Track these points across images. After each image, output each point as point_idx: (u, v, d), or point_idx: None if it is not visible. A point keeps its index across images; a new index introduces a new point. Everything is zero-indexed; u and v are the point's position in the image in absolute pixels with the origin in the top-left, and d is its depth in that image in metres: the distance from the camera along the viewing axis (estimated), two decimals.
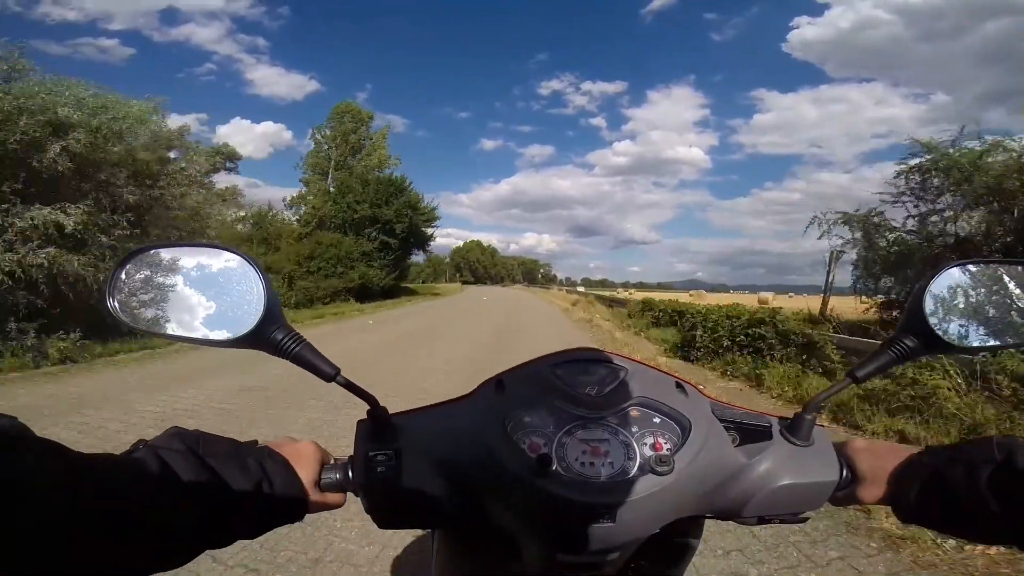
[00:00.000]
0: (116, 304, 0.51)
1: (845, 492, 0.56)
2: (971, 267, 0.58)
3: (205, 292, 0.52)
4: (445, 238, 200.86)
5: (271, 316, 0.50)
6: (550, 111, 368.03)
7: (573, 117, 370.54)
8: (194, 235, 9.98)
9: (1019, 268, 0.58)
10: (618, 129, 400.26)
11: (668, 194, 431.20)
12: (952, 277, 0.57)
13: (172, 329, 0.51)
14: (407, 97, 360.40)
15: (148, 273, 0.52)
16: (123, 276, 0.52)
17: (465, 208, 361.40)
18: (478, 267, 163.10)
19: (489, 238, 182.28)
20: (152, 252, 0.53)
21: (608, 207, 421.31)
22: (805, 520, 0.57)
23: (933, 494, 0.49)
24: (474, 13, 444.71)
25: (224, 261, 0.52)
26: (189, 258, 0.53)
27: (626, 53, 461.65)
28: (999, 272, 0.58)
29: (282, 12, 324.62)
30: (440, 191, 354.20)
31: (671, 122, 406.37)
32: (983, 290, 0.58)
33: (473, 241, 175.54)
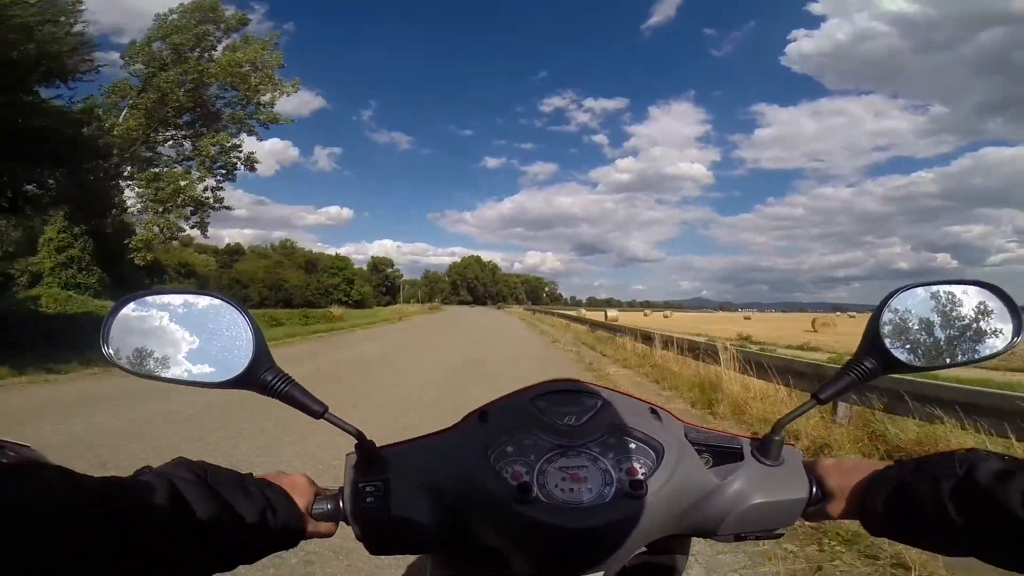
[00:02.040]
0: (111, 351, 0.53)
1: (816, 508, 0.58)
2: (923, 289, 0.61)
3: (196, 336, 0.55)
4: (449, 256, 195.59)
5: (260, 358, 0.53)
6: (552, 128, 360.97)
7: (575, 134, 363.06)
8: None
9: (966, 287, 0.61)
10: (620, 146, 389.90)
11: (671, 211, 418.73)
12: (905, 300, 0.60)
13: (166, 373, 0.54)
14: (412, 114, 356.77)
15: (141, 320, 0.55)
16: (116, 323, 0.54)
17: (469, 226, 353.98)
18: (477, 285, 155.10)
19: (493, 256, 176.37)
20: (145, 299, 0.56)
21: (611, 225, 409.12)
22: (780, 536, 0.60)
23: (899, 508, 0.51)
24: (475, 31, 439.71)
25: (213, 306, 0.56)
26: (180, 304, 0.56)
27: (626, 69, 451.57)
28: (948, 292, 0.61)
29: (288, 28, 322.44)
30: (445, 209, 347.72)
31: (672, 138, 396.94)
32: (935, 311, 0.60)
33: (472, 257, 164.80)
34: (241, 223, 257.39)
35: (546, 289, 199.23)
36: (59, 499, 0.35)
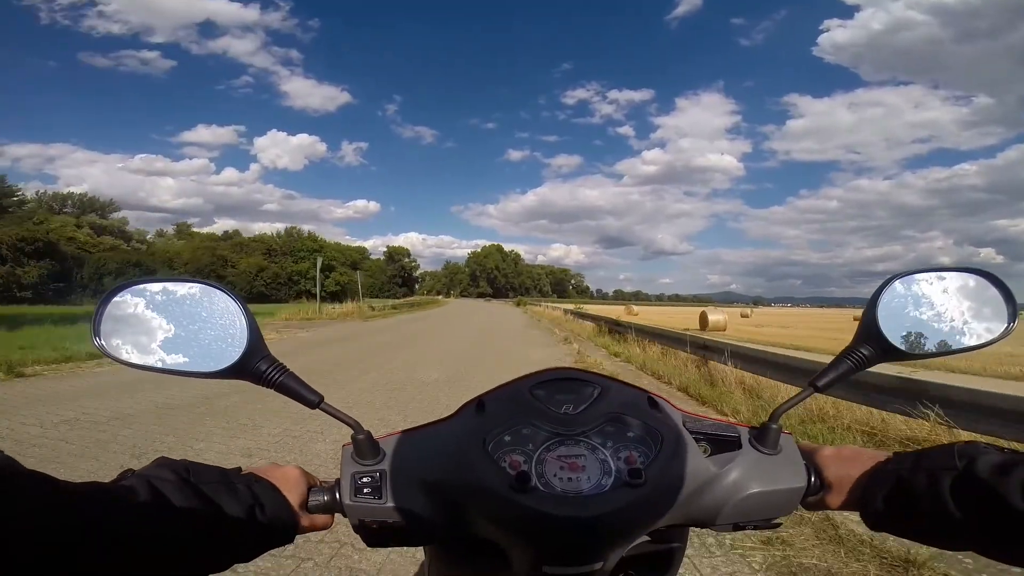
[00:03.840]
0: (103, 342, 0.52)
1: (815, 498, 0.58)
2: (919, 277, 0.60)
3: (189, 326, 0.53)
4: (473, 249, 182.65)
5: (254, 348, 0.53)
6: (576, 120, 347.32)
7: (600, 126, 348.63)
8: None
9: (963, 275, 0.61)
10: (647, 137, 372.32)
11: (700, 203, 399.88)
12: (902, 287, 0.60)
13: (159, 363, 0.52)
14: (436, 108, 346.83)
15: (133, 309, 0.53)
16: (107, 313, 0.52)
17: (493, 219, 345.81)
18: (498, 276, 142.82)
19: (516, 249, 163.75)
20: (136, 287, 0.54)
21: (638, 217, 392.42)
22: (778, 525, 0.59)
23: (899, 501, 0.50)
24: (497, 24, 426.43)
25: (207, 295, 0.54)
26: (173, 293, 0.54)
27: (652, 60, 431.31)
28: (945, 280, 0.61)
29: (313, 24, 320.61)
30: (469, 202, 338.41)
31: (701, 129, 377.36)
32: (932, 299, 0.60)
33: (493, 246, 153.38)
34: (272, 217, 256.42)
35: (572, 282, 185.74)
36: (37, 507, 0.34)
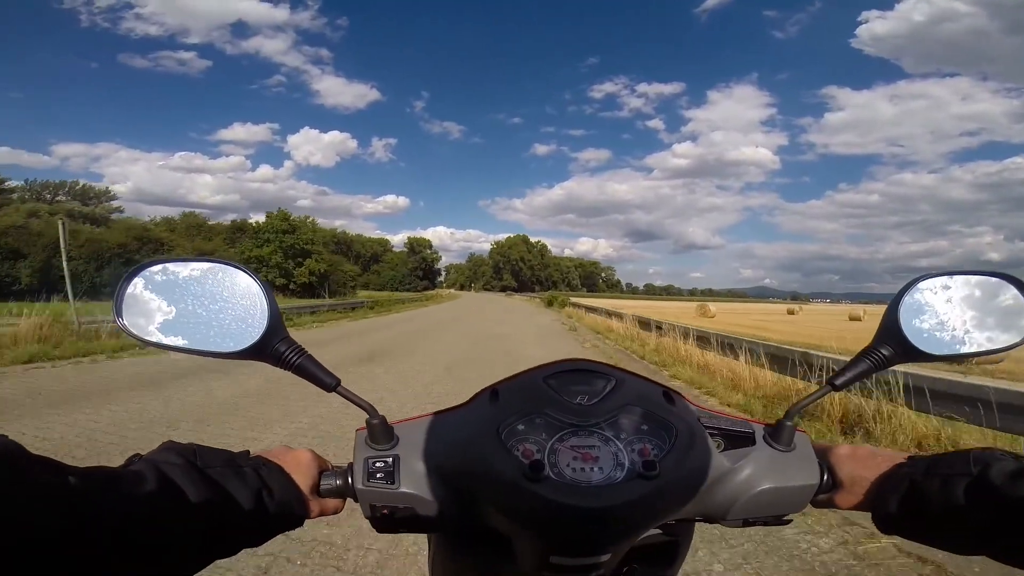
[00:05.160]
0: (124, 321, 0.52)
1: (826, 496, 0.58)
2: (943, 279, 0.60)
3: (210, 306, 0.53)
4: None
5: (274, 329, 0.53)
6: (603, 114, 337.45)
7: (629, 120, 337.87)
8: None
9: (987, 279, 0.61)
10: (677, 131, 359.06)
11: (733, 197, 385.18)
12: (925, 288, 0.60)
13: (180, 343, 0.52)
14: (462, 104, 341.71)
15: (154, 288, 0.53)
16: (129, 292, 0.53)
17: (519, 213, 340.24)
18: (523, 268, 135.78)
19: (544, 243, 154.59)
20: (158, 267, 0.54)
21: (668, 211, 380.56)
22: (788, 522, 0.60)
23: (911, 505, 0.50)
24: (522, 19, 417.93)
25: (228, 276, 0.54)
26: (194, 273, 0.54)
27: (682, 54, 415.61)
28: (969, 283, 0.61)
29: (341, 23, 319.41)
30: (496, 196, 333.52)
31: (734, 122, 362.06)
32: (955, 301, 0.60)
33: (518, 236, 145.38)
34: (306, 212, 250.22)
35: (603, 275, 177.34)
36: (43, 492, 0.33)
